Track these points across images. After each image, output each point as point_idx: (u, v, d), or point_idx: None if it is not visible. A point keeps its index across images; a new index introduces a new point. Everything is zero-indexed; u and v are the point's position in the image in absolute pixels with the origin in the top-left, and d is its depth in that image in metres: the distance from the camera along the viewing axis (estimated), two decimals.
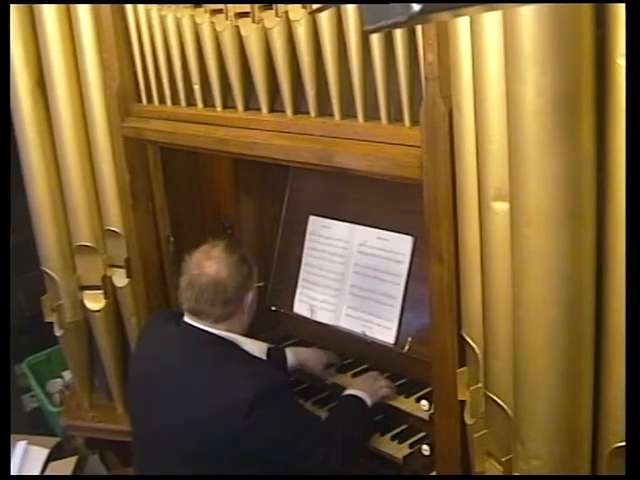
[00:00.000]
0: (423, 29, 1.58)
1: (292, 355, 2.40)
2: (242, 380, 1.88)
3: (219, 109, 2.21)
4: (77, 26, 2.43)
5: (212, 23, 2.07)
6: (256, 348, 2.04)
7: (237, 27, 2.01)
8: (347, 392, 2.21)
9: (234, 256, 2.00)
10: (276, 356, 2.36)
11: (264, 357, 2.05)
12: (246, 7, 1.98)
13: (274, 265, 2.73)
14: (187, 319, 2.02)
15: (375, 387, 2.23)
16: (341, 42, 1.81)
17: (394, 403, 2.28)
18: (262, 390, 1.85)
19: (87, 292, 2.73)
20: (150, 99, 2.43)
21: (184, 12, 2.14)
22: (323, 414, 2.29)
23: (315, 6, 1.80)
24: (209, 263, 1.97)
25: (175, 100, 2.34)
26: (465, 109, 1.52)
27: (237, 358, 1.97)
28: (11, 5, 2.46)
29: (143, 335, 2.30)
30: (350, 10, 1.73)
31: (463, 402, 1.75)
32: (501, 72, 1.34)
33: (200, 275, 1.97)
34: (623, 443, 1.34)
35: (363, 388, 2.21)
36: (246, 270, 2.00)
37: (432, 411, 2.01)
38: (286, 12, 1.88)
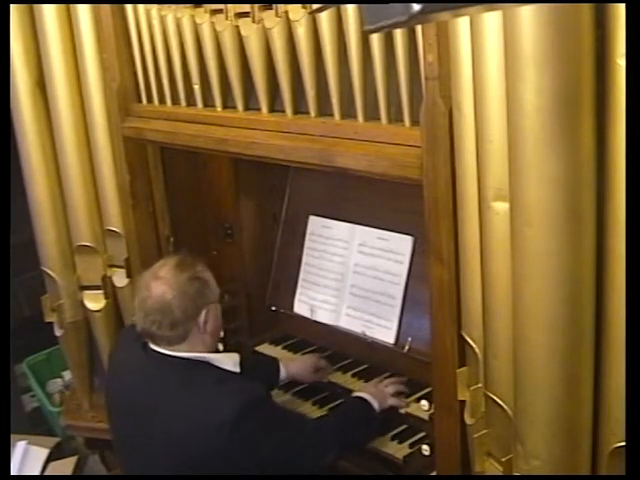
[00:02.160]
0: (423, 29, 1.58)
1: (284, 369, 2.40)
2: (220, 400, 1.84)
3: (219, 109, 2.21)
4: (77, 26, 2.43)
5: (212, 23, 2.07)
6: (228, 362, 1.97)
7: (237, 27, 2.01)
8: (356, 394, 2.21)
9: (183, 275, 1.91)
10: (269, 369, 2.38)
11: (237, 369, 1.98)
12: (246, 7, 1.98)
13: (274, 265, 2.73)
14: (152, 346, 1.97)
15: (384, 393, 2.22)
16: (341, 42, 1.81)
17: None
18: (242, 407, 1.81)
19: (87, 292, 2.73)
20: (150, 99, 2.43)
21: (184, 12, 2.14)
22: (322, 414, 2.29)
23: (315, 6, 1.80)
24: (155, 284, 1.90)
25: (175, 100, 2.34)
26: (465, 109, 1.52)
27: (211, 378, 1.91)
28: (11, 5, 2.46)
29: (114, 355, 2.25)
30: (350, 10, 1.73)
31: (463, 402, 1.75)
32: (501, 72, 1.34)
33: (148, 297, 1.90)
34: (623, 443, 1.34)
35: (372, 392, 2.20)
36: (195, 290, 1.90)
37: (432, 411, 2.01)
38: (286, 12, 1.88)
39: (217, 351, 2.04)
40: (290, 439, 1.94)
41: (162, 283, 1.90)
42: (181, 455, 1.85)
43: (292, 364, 2.45)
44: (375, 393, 2.20)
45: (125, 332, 2.33)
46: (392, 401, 2.22)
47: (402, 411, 2.25)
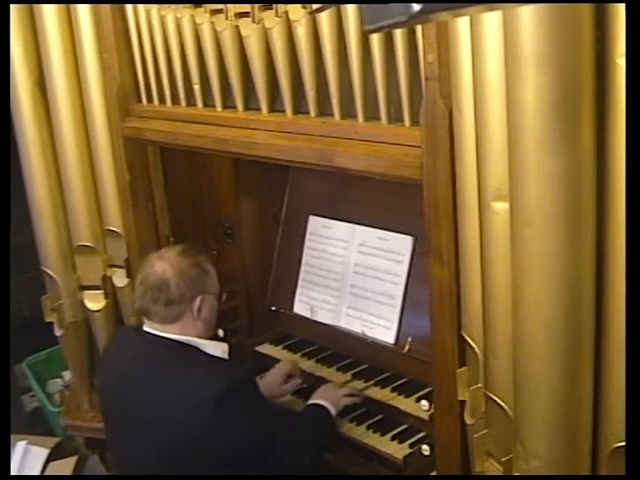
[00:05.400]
0: (423, 29, 1.58)
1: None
2: (206, 379, 1.89)
3: (219, 109, 2.21)
4: (77, 26, 2.43)
5: (212, 23, 2.07)
6: (217, 349, 2.04)
7: (237, 27, 2.02)
8: (311, 401, 2.21)
9: (187, 260, 2.00)
10: None
11: (226, 357, 2.05)
12: (246, 7, 1.98)
13: (274, 265, 2.73)
14: (145, 327, 2.03)
15: (337, 396, 2.23)
16: (341, 42, 1.81)
17: (394, 403, 2.28)
18: (227, 386, 1.86)
19: (87, 292, 2.73)
20: (150, 99, 2.43)
21: (184, 12, 2.14)
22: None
23: (315, 6, 1.80)
24: (160, 263, 1.99)
25: (175, 100, 2.34)
26: (465, 109, 1.52)
27: (199, 360, 1.97)
28: (11, 5, 2.46)
29: (107, 348, 2.29)
30: (350, 10, 1.73)
31: (463, 402, 1.75)
32: (501, 72, 1.34)
33: (150, 274, 1.99)
34: (623, 443, 1.34)
35: (326, 398, 2.21)
36: (195, 274, 1.99)
37: (432, 411, 2.01)
38: (286, 12, 1.88)
39: (207, 338, 2.07)
40: (272, 426, 1.98)
41: (165, 263, 1.99)
42: (168, 434, 1.89)
43: (262, 381, 2.35)
44: (329, 398, 2.21)
45: (119, 330, 2.41)
46: (345, 401, 2.24)
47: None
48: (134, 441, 1.99)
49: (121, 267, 2.65)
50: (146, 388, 1.96)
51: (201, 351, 2.00)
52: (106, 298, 2.71)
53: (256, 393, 2.02)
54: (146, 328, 2.03)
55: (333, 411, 2.18)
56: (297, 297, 2.62)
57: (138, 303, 2.03)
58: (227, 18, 2.02)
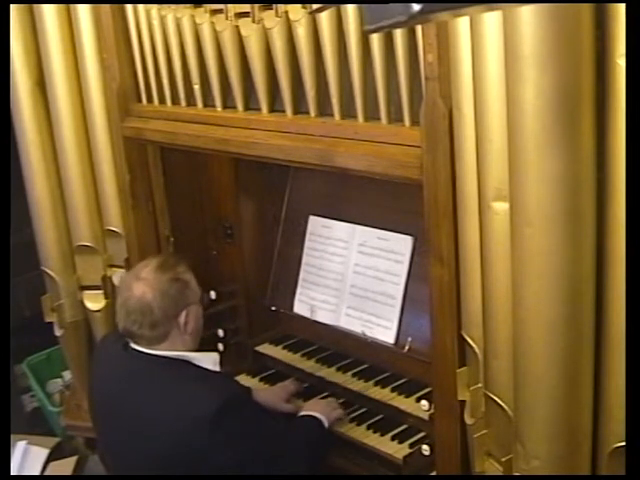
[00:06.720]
0: (423, 29, 1.58)
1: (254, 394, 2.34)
2: (201, 397, 1.86)
3: (219, 109, 2.21)
4: (77, 26, 2.43)
5: (212, 23, 2.07)
6: (208, 361, 2.00)
7: (237, 27, 2.02)
8: (303, 413, 2.19)
9: (164, 276, 1.95)
10: None
11: (217, 368, 2.02)
12: (246, 7, 1.98)
13: (274, 265, 2.73)
14: (132, 344, 2.00)
15: (329, 409, 2.22)
16: (341, 42, 1.81)
17: (394, 403, 2.28)
18: (224, 403, 1.83)
19: (87, 292, 2.73)
20: (150, 99, 2.43)
21: (184, 12, 2.14)
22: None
23: (315, 6, 1.80)
24: (137, 285, 1.94)
25: (175, 100, 2.34)
26: (465, 109, 1.52)
27: (191, 376, 1.94)
28: (11, 5, 2.46)
29: (95, 358, 2.27)
30: (350, 10, 1.73)
31: (463, 402, 1.75)
32: (501, 72, 1.34)
33: (129, 297, 1.94)
34: (623, 443, 1.35)
35: (319, 410, 2.19)
36: (176, 290, 1.95)
37: (432, 411, 2.01)
38: (286, 12, 1.88)
39: (197, 350, 2.05)
40: (269, 441, 1.96)
41: (143, 284, 1.94)
42: (163, 451, 1.87)
43: (262, 393, 2.39)
44: (321, 410, 2.19)
45: (105, 336, 2.37)
46: (336, 414, 2.22)
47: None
48: (132, 453, 1.97)
49: (121, 267, 2.65)
50: (142, 401, 1.93)
51: (193, 364, 1.97)
52: (106, 298, 2.71)
53: (253, 406, 2.01)
54: (133, 346, 2.00)
55: (326, 423, 2.15)
56: (297, 297, 2.62)
57: (121, 326, 1.98)
58: (227, 18, 2.02)
